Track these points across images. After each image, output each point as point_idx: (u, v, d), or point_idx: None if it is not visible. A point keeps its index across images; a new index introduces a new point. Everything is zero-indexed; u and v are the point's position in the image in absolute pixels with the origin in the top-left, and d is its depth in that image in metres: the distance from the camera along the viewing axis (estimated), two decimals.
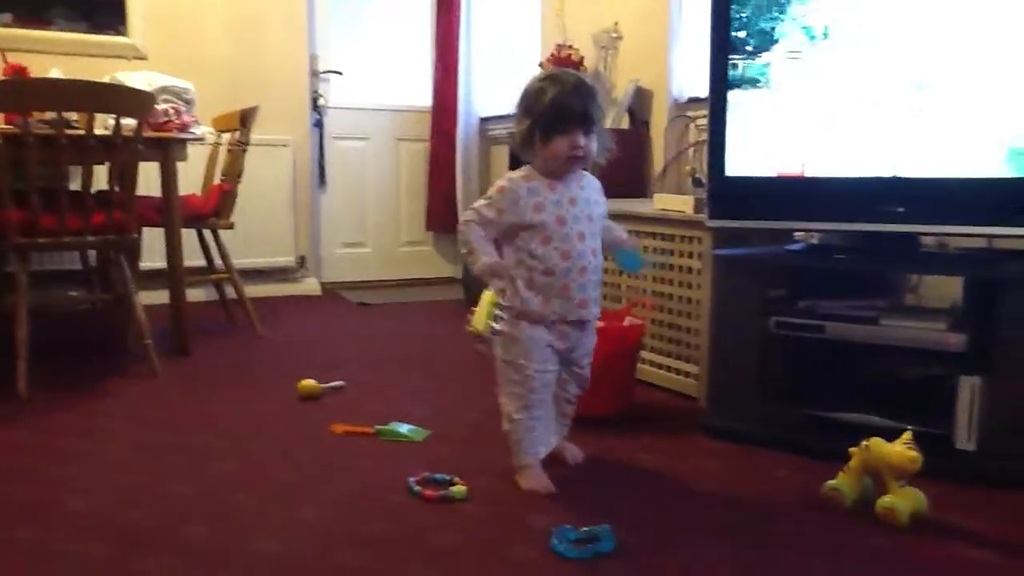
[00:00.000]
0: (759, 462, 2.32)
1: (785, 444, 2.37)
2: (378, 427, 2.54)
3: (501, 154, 5.22)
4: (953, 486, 2.10)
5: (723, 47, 2.51)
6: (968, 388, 2.23)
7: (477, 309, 1.96)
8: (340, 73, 5.54)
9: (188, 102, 3.58)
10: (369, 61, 5.71)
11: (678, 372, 2.97)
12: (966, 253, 2.47)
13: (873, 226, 2.36)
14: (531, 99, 2.03)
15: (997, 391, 2.18)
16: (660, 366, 3.04)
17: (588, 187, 2.11)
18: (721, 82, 2.52)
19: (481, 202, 2.07)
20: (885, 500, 1.91)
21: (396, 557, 1.73)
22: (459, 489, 2.04)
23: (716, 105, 2.55)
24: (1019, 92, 2.16)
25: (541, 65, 4.44)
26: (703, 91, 2.79)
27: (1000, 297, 2.15)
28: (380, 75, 5.76)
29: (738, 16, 2.49)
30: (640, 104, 4.04)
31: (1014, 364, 2.15)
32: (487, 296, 1.95)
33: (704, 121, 3.17)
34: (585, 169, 2.11)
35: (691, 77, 3.88)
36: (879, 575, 1.69)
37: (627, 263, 2.29)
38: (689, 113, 3.79)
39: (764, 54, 2.46)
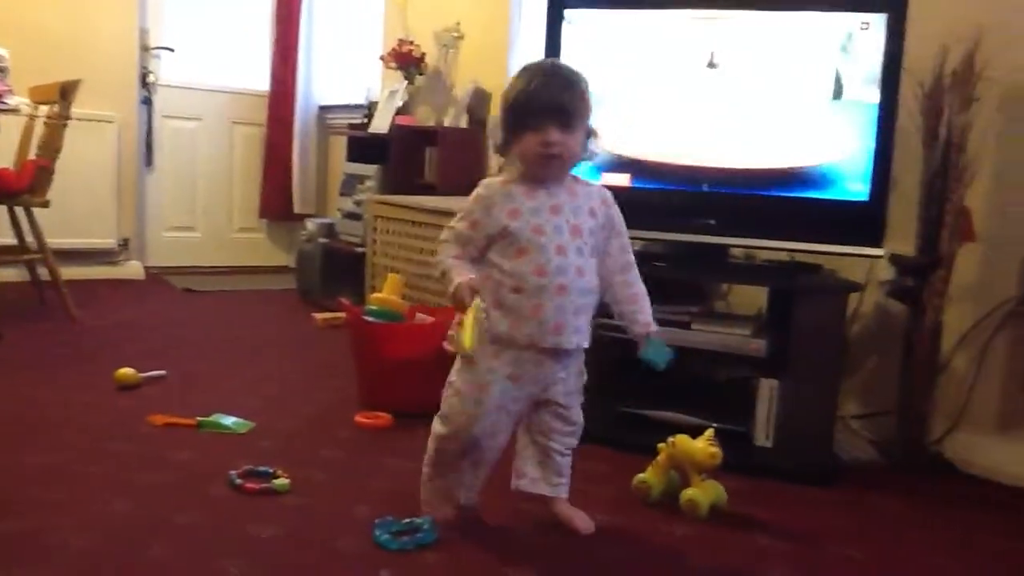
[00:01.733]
0: (580, 455, 2.43)
1: (604, 439, 2.49)
2: (200, 419, 2.49)
3: (340, 144, 5.18)
4: (751, 479, 2.27)
5: (555, 51, 2.60)
6: (767, 389, 2.42)
7: (462, 324, 1.63)
8: (172, 50, 5.34)
9: (1, 70, 3.37)
10: (204, 40, 5.53)
11: None
12: (771, 265, 2.67)
13: (688, 237, 2.52)
14: (505, 92, 1.74)
15: (791, 393, 2.38)
16: None
17: (583, 196, 1.77)
18: None
19: (456, 218, 1.79)
20: (687, 492, 2.05)
21: (213, 550, 1.71)
22: (282, 482, 2.04)
23: None
24: (805, 122, 2.37)
25: (382, 59, 4.44)
26: None
27: (794, 307, 2.35)
28: (216, 55, 5.59)
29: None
30: (479, 104, 4.11)
31: (805, 368, 2.35)
32: (474, 308, 1.63)
33: None
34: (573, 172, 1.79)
35: None
36: (681, 562, 1.82)
37: (654, 356, 1.79)
38: None
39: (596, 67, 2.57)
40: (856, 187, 2.37)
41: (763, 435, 2.44)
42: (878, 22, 2.31)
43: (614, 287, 1.81)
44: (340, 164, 4.96)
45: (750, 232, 2.47)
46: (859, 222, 2.36)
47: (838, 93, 2.37)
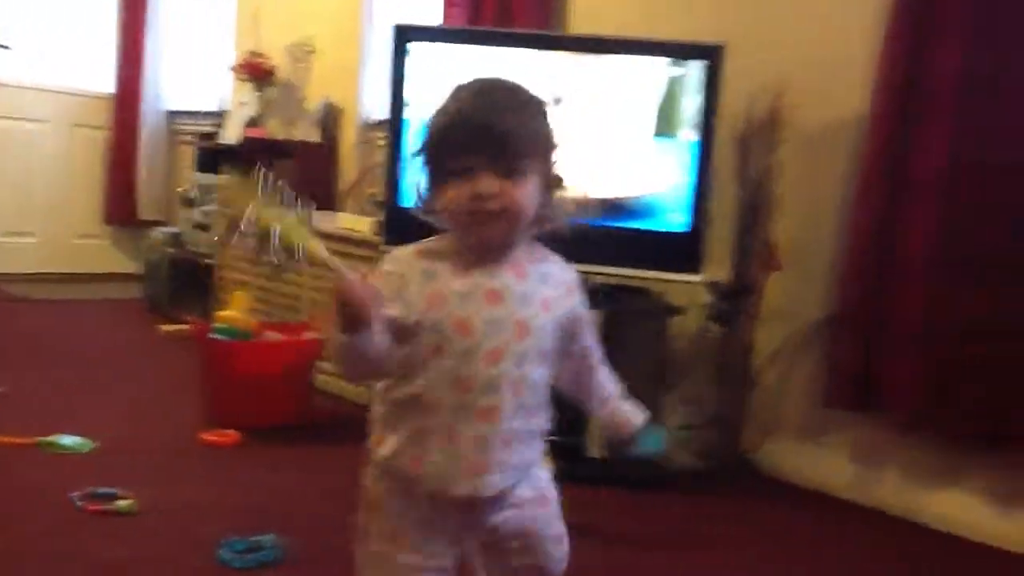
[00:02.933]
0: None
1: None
2: (40, 439, 2.47)
3: (188, 151, 5.11)
4: (584, 487, 2.45)
5: (400, 81, 2.71)
6: None
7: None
8: (7, 47, 5.14)
9: None
10: (44, 38, 5.34)
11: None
12: (602, 289, 2.86)
13: None
14: (428, 120, 1.22)
15: None
16: (336, 376, 3.20)
17: (537, 277, 1.23)
18: (399, 113, 2.72)
19: None
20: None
21: (57, 574, 1.74)
22: (125, 503, 2.07)
23: (393, 136, 2.75)
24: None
25: (233, 70, 4.44)
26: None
27: (621, 328, 2.55)
28: (57, 54, 5.41)
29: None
30: (330, 120, 4.17)
31: (632, 384, 2.54)
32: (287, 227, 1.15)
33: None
34: (541, 239, 1.28)
35: (380, 100, 4.07)
36: None
37: (649, 443, 1.46)
38: (376, 134, 3.98)
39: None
40: (677, 218, 2.59)
41: (595, 447, 2.62)
42: (697, 70, 2.54)
43: (580, 395, 1.38)
44: (188, 170, 4.91)
45: (582, 259, 2.65)
46: (680, 251, 2.59)
47: (662, 132, 2.58)
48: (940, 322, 2.32)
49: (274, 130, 4.27)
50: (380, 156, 3.89)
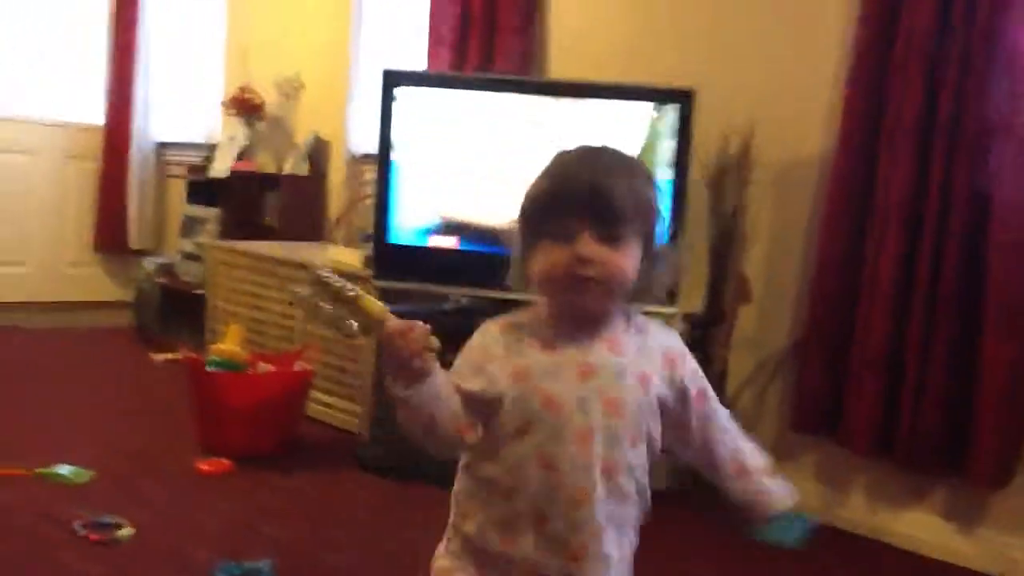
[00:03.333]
0: (408, 492, 2.65)
1: (432, 476, 2.72)
2: (37, 469, 2.56)
3: (179, 181, 5.21)
4: None
5: (388, 122, 2.83)
6: None
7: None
8: None
9: None
10: (34, 69, 5.44)
11: (342, 410, 3.25)
12: None
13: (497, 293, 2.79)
14: (528, 188, 1.18)
15: None
16: (327, 404, 3.30)
17: (635, 350, 1.16)
18: (387, 153, 2.84)
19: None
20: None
21: None
22: (125, 532, 2.16)
23: (382, 174, 2.86)
24: None
25: (223, 104, 4.55)
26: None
27: None
28: (47, 85, 5.50)
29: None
30: (319, 154, 4.29)
31: None
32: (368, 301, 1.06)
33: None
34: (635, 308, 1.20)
35: (367, 134, 4.19)
36: None
37: (787, 532, 1.25)
38: (364, 168, 4.10)
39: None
40: None
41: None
42: (671, 113, 2.68)
43: (709, 468, 1.23)
44: (179, 201, 5.00)
45: None
46: None
47: None
48: (902, 349, 2.45)
49: (263, 163, 4.38)
50: (367, 189, 4.02)
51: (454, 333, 3.05)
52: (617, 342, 1.15)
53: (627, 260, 1.12)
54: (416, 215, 2.86)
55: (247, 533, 2.24)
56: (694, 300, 2.80)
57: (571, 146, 1.19)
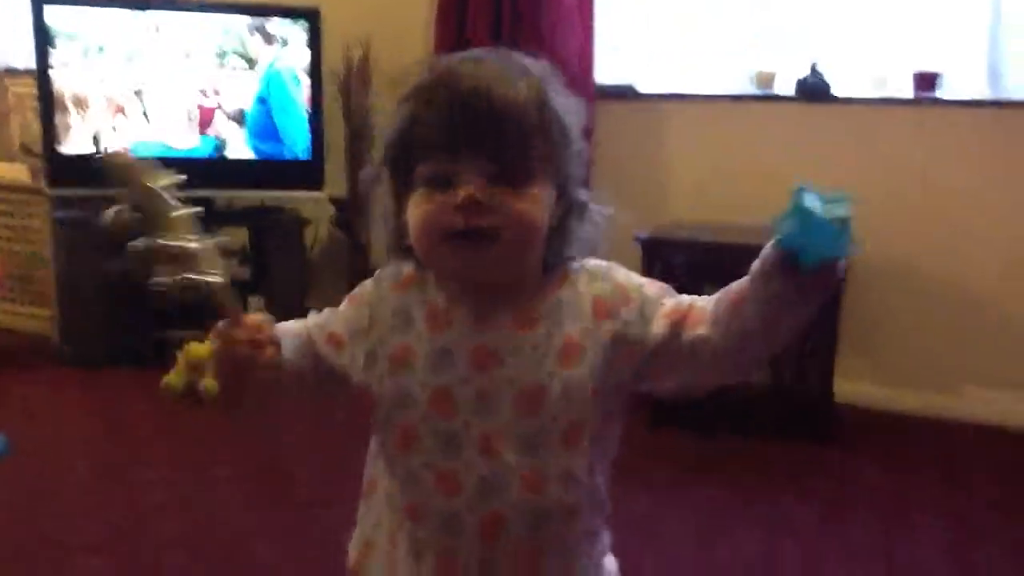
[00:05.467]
0: (111, 380, 3.07)
1: (133, 359, 3.14)
2: None
3: None
4: None
5: (42, 30, 3.07)
6: (254, 304, 3.28)
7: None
8: None
9: None
10: None
11: (31, 316, 3.53)
12: (247, 209, 3.49)
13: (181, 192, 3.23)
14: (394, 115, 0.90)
15: (270, 304, 3.27)
16: (15, 314, 3.55)
17: (554, 316, 0.88)
18: (45, 63, 3.10)
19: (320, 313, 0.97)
20: (204, 383, 2.85)
21: None
22: None
23: (43, 90, 3.13)
24: None
25: None
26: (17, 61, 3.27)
27: (264, 240, 3.22)
28: None
29: None
30: None
31: (279, 285, 3.25)
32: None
33: (21, 91, 3.68)
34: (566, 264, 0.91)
35: (11, 45, 4.22)
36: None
37: (818, 240, 0.73)
38: (7, 82, 4.17)
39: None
40: (301, 148, 3.28)
41: None
42: (301, 29, 3.21)
43: (717, 329, 0.83)
44: None
45: (224, 186, 3.27)
46: (305, 174, 3.29)
47: (280, 81, 3.24)
48: None
49: None
50: (20, 103, 4.12)
51: (129, 233, 3.44)
52: (527, 311, 0.86)
53: (533, 208, 0.83)
54: (81, 125, 3.18)
55: None
56: (338, 186, 3.42)
57: (454, 55, 0.87)
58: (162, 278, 0.84)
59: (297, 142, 3.27)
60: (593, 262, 0.91)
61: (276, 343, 0.84)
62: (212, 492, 2.32)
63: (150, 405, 2.79)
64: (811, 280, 0.73)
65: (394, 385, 0.87)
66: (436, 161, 0.82)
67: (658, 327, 0.85)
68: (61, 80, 3.13)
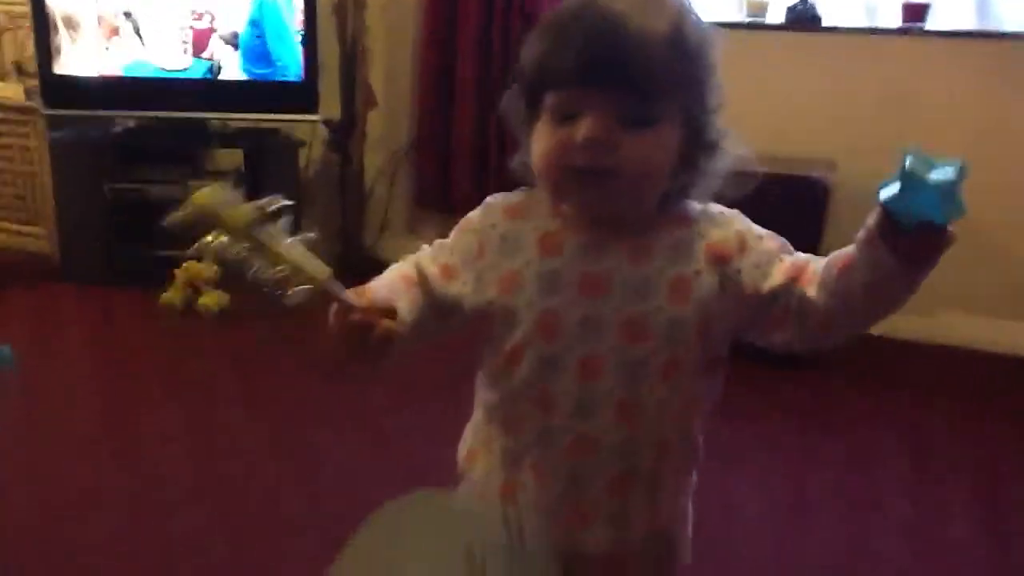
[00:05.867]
0: (113, 297, 3.15)
1: (132, 278, 3.21)
2: None
3: None
4: (244, 289, 3.20)
5: None
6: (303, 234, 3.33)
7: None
8: None
9: None
10: None
11: (30, 236, 3.58)
12: (242, 131, 3.52)
13: (174, 113, 3.27)
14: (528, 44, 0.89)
15: None
16: (14, 232, 3.60)
17: (669, 252, 0.89)
18: None
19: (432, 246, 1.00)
20: (202, 299, 2.94)
21: None
22: None
23: (36, 7, 3.14)
24: None
25: None
26: None
27: (260, 162, 3.26)
28: None
29: None
30: None
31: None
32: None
33: (14, 8, 3.67)
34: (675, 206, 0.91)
35: None
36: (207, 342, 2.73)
37: (919, 203, 0.73)
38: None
39: None
40: (295, 71, 3.30)
41: None
42: None
43: (823, 291, 0.83)
44: None
45: (218, 108, 3.30)
46: (299, 96, 3.31)
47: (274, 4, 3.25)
48: (486, 140, 3.29)
49: None
50: (12, 22, 4.11)
51: (126, 153, 3.47)
52: (643, 245, 0.88)
53: (657, 148, 0.84)
54: (72, 46, 3.19)
55: None
56: (332, 109, 3.45)
57: None
58: (277, 291, 0.82)
59: (291, 65, 3.29)
60: (717, 208, 0.91)
61: (392, 311, 0.84)
62: (214, 413, 2.38)
63: (149, 322, 2.88)
64: (911, 245, 0.74)
65: (502, 307, 0.89)
66: (564, 93, 0.83)
67: (772, 280, 0.86)
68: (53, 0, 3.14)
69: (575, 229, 0.89)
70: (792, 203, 2.57)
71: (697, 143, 0.86)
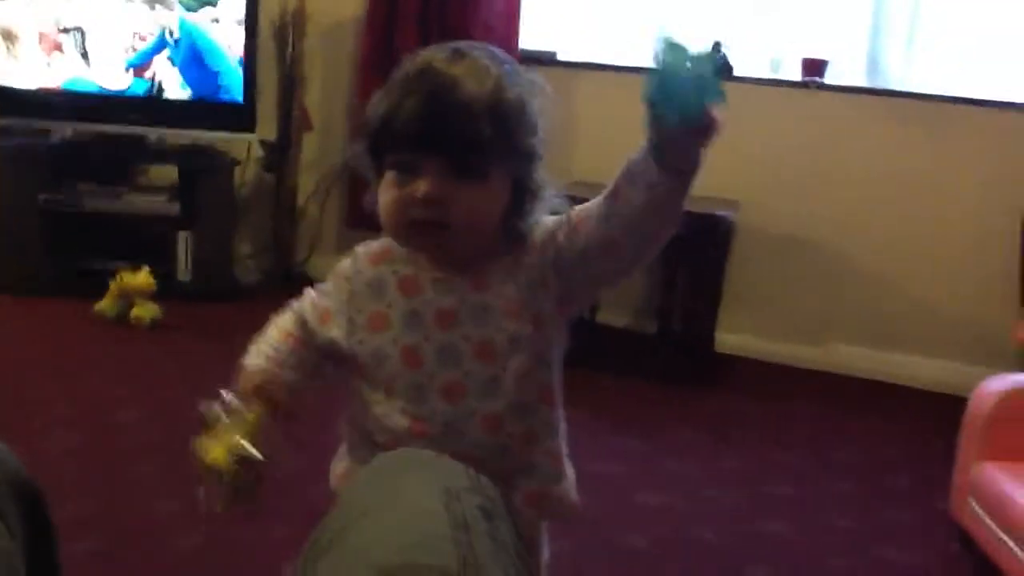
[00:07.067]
0: (50, 309, 3.20)
1: (65, 290, 3.26)
2: None
3: None
4: (177, 301, 3.28)
5: None
6: (183, 239, 3.42)
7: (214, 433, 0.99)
8: None
9: None
10: None
11: None
12: (179, 149, 3.61)
13: (115, 128, 3.36)
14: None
15: (199, 240, 3.42)
16: None
17: (500, 278, 1.01)
18: None
19: (313, 291, 1.11)
20: (135, 311, 3.02)
21: None
22: None
23: None
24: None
25: None
26: None
27: (195, 179, 3.37)
28: None
29: None
30: None
31: (208, 222, 3.41)
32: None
33: None
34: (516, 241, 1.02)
35: None
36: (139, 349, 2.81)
37: (676, 96, 0.80)
38: None
39: None
40: (234, 92, 3.42)
41: (183, 271, 3.45)
42: None
43: (606, 209, 0.96)
44: None
45: (160, 123, 3.40)
46: (237, 116, 3.43)
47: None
48: None
49: None
50: None
51: (61, 165, 3.52)
52: (481, 275, 1.00)
53: (487, 199, 0.96)
54: (13, 59, 3.26)
55: None
56: (268, 130, 3.58)
57: (428, 49, 0.98)
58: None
59: (231, 87, 3.41)
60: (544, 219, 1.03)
61: (283, 394, 1.02)
62: (172, 411, 2.46)
63: (85, 332, 2.95)
64: (678, 144, 0.85)
65: (372, 345, 1.01)
66: (403, 152, 0.95)
67: (560, 237, 0.99)
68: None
69: (427, 269, 1.01)
70: (698, 238, 2.81)
71: (523, 190, 0.99)
